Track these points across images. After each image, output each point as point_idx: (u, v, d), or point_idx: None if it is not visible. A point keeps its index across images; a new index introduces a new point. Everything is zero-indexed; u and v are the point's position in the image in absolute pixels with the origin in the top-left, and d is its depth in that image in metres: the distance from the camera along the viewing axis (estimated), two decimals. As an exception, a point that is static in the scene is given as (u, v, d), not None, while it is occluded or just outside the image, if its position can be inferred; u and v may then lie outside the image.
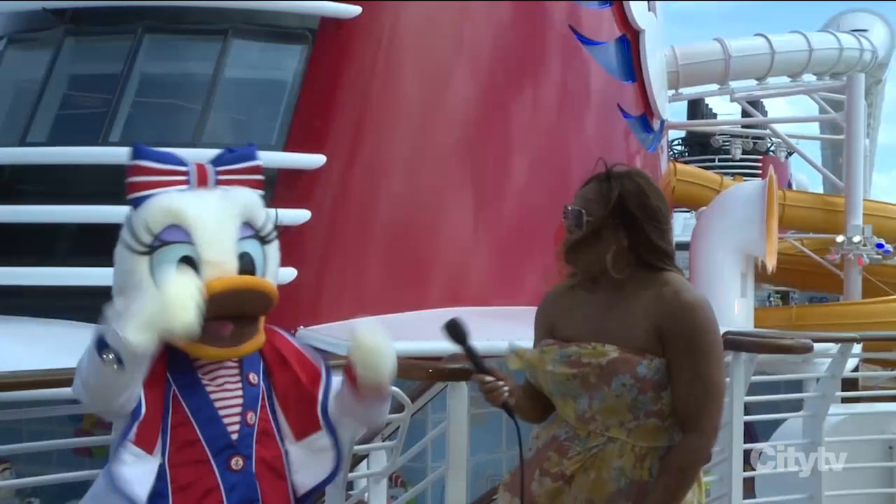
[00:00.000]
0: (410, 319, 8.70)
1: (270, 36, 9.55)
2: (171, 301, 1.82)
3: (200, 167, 2.13)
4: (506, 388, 2.27)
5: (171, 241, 2.02)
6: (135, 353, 1.82)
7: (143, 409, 1.97)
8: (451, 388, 3.01)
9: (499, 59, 10.72)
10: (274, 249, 2.17)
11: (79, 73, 9.88)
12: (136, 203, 2.07)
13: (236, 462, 2.04)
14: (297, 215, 8.76)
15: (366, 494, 3.32)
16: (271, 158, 8.89)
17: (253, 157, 2.21)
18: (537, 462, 2.26)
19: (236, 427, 2.06)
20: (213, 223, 2.05)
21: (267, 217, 2.16)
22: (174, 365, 2.04)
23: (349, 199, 9.22)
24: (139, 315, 1.81)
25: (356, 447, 3.16)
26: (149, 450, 1.98)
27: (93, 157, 8.70)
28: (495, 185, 10.36)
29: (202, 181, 2.12)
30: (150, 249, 2.02)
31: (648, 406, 2.16)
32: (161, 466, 2.00)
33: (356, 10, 9.30)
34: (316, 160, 8.94)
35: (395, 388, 3.18)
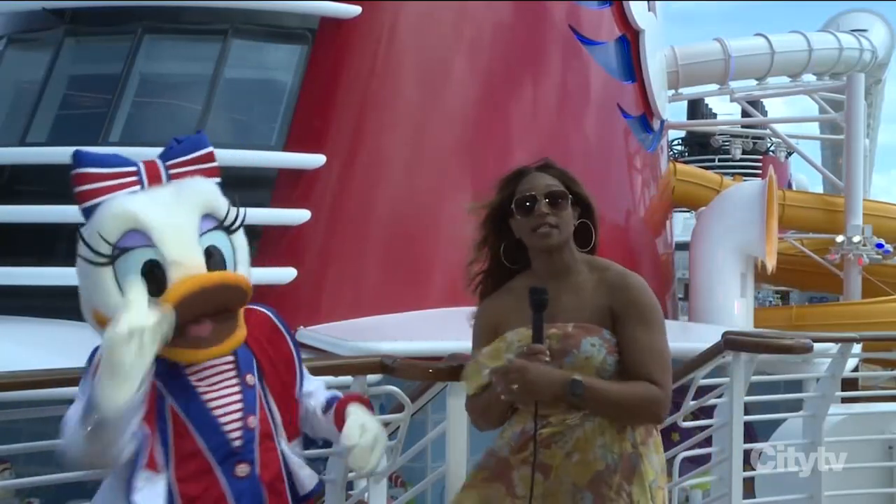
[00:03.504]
0: (410, 319, 8.70)
1: (270, 36, 9.54)
2: (125, 348, 1.72)
3: (150, 164, 2.03)
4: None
5: (132, 247, 1.92)
6: (118, 412, 1.74)
7: (145, 432, 1.90)
8: (451, 388, 3.00)
9: (499, 59, 10.71)
10: (241, 238, 2.06)
11: (79, 73, 9.88)
12: (87, 213, 1.98)
13: (242, 469, 1.98)
14: (297, 215, 8.77)
15: (366, 494, 3.31)
16: (271, 158, 8.90)
17: (203, 145, 2.09)
18: (514, 457, 2.28)
19: (238, 433, 2.00)
20: (171, 221, 1.93)
21: (229, 206, 2.04)
22: (164, 374, 1.94)
23: (349, 199, 9.21)
24: (109, 374, 1.72)
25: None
26: (156, 468, 1.92)
27: (93, 157, 8.69)
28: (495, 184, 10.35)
29: (154, 178, 2.01)
30: (111, 259, 1.92)
31: (611, 369, 2.23)
32: (168, 482, 1.93)
33: (356, 10, 9.31)
34: (316, 160, 8.94)
35: (395, 388, 3.18)
